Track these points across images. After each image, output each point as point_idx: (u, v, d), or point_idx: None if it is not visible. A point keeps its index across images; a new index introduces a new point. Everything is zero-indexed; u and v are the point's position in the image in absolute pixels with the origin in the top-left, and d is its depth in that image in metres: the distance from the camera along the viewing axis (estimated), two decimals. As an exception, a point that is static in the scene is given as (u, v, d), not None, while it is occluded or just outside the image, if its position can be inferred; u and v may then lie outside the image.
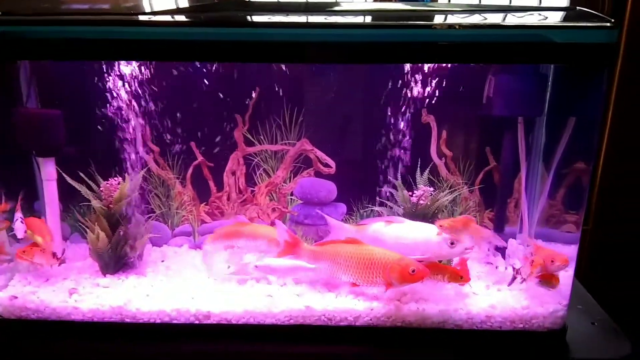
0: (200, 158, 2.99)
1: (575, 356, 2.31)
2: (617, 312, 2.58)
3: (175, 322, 2.17)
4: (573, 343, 2.26)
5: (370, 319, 2.22)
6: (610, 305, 2.61)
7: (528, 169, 2.81)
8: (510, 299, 2.34)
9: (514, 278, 2.32)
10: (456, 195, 2.74)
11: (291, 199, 3.08)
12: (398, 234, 2.30)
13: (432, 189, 2.45)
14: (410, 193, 2.51)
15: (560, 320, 2.27)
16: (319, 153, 2.96)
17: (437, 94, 2.78)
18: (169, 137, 2.93)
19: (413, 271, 2.10)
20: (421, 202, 2.46)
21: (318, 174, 2.93)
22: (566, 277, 2.44)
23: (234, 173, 2.96)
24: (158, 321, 2.17)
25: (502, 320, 2.27)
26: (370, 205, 2.66)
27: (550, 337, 2.24)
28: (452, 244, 2.22)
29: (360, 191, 2.96)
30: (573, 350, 2.23)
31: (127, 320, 2.15)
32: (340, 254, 2.24)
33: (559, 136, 2.58)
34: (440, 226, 2.19)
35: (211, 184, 3.05)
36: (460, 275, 2.27)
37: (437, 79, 2.72)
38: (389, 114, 2.79)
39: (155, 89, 2.77)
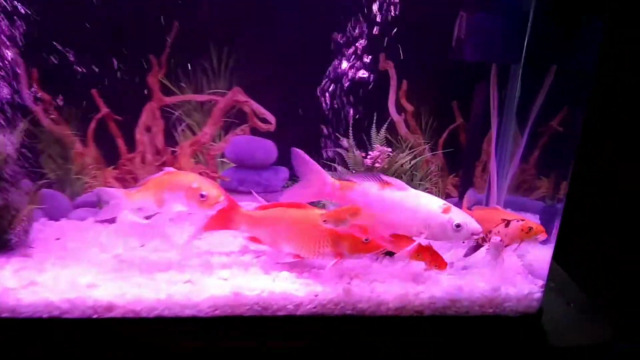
0: (104, 109, 2.50)
1: (554, 343, 2.10)
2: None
3: (67, 316, 1.87)
4: (549, 327, 2.12)
5: (315, 307, 2.00)
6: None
7: (499, 127, 2.55)
8: (479, 281, 2.16)
9: (475, 247, 2.19)
10: (417, 159, 2.38)
11: (222, 161, 2.78)
12: (394, 201, 1.97)
13: (389, 149, 2.05)
14: (363, 154, 2.10)
15: (535, 303, 2.12)
16: (255, 106, 2.61)
17: (398, 34, 2.41)
18: (64, 82, 2.40)
19: (367, 240, 1.91)
20: (377, 164, 2.07)
21: (255, 132, 2.65)
22: (543, 252, 2.17)
23: (149, 129, 2.58)
24: (45, 316, 1.86)
25: (469, 305, 2.08)
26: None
27: (525, 322, 2.10)
28: (458, 226, 1.93)
29: (306, 152, 2.56)
30: (550, 336, 2.10)
31: (3, 315, 1.83)
32: (283, 220, 2.04)
33: (537, 88, 2.35)
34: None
35: (120, 142, 2.54)
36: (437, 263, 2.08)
37: (397, 14, 2.32)
38: (340, 58, 2.37)
39: (37, 15, 2.23)
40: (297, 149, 2.01)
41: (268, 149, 2.67)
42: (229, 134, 2.61)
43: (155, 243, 2.33)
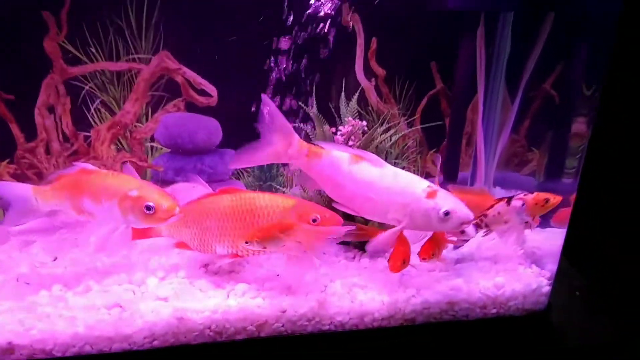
0: None
1: (565, 343, 1.88)
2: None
3: None
4: (560, 325, 1.92)
5: (283, 325, 1.72)
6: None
7: (487, 91, 2.28)
8: (479, 277, 1.93)
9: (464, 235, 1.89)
10: (398, 135, 2.01)
11: (152, 146, 2.29)
12: (367, 179, 1.69)
13: (364, 123, 1.66)
14: (333, 129, 1.69)
15: (544, 299, 1.93)
16: (190, 73, 2.17)
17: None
18: None
19: (315, 220, 1.63)
20: (350, 142, 1.66)
21: (192, 108, 2.20)
22: (552, 243, 1.90)
23: (51, 109, 2.08)
24: None
25: (469, 307, 1.86)
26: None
27: (533, 321, 1.90)
28: (446, 214, 1.63)
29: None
30: (561, 334, 1.90)
31: None
32: (211, 214, 1.74)
33: (532, 42, 2.04)
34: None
35: (14, 128, 2.06)
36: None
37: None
38: (293, 9, 1.94)
39: None
40: (267, 97, 1.71)
41: (210, 128, 2.28)
42: (158, 111, 2.19)
43: (73, 255, 1.98)
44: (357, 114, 1.95)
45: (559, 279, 2.00)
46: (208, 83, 2.16)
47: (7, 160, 2.14)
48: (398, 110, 2.27)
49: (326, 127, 1.93)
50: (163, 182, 2.23)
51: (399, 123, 2.23)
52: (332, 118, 1.98)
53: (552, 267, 1.96)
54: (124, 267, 1.91)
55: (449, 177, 2.34)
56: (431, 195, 1.64)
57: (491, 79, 2.25)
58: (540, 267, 2.01)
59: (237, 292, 1.77)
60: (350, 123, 1.90)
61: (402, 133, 2.13)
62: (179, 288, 1.79)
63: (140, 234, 1.80)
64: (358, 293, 1.81)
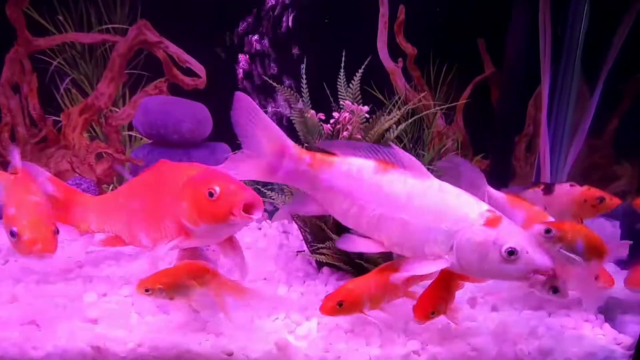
0: None
1: None
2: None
3: None
4: None
5: None
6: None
7: (554, 80, 1.78)
8: (518, 333, 1.45)
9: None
10: (428, 130, 1.58)
11: (130, 135, 2.03)
12: (401, 194, 1.29)
13: (366, 108, 1.22)
14: (321, 116, 1.32)
15: None
16: (175, 49, 1.89)
17: None
18: None
19: (211, 194, 1.27)
20: (344, 134, 1.24)
21: (176, 90, 1.91)
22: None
23: (16, 89, 1.87)
24: None
25: None
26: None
27: None
28: (510, 253, 1.18)
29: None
30: None
31: None
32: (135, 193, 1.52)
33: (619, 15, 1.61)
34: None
35: None
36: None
37: None
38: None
39: None
40: (242, 94, 1.33)
41: (198, 116, 1.99)
42: (137, 93, 1.92)
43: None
44: (359, 97, 1.51)
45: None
46: (195, 61, 1.85)
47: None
48: (432, 101, 1.80)
49: (312, 111, 1.50)
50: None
51: (432, 114, 1.75)
52: (327, 103, 1.56)
53: (635, 328, 1.45)
54: (63, 276, 1.64)
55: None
56: (492, 223, 1.22)
57: (561, 65, 1.79)
58: (615, 327, 1.49)
59: (179, 320, 1.40)
60: (348, 107, 1.46)
61: (432, 128, 1.67)
62: (115, 308, 1.49)
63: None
64: (338, 338, 1.35)
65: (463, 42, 1.83)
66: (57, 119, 1.96)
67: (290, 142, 1.34)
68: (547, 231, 1.34)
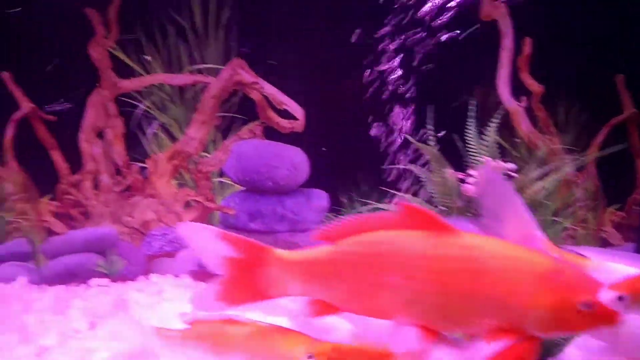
0: (25, 105, 1.76)
1: None
2: None
3: None
4: None
5: None
6: None
7: None
8: None
9: None
10: (552, 178, 1.43)
11: (220, 182, 1.95)
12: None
13: (513, 165, 1.09)
14: (460, 175, 1.31)
15: None
16: (271, 89, 1.78)
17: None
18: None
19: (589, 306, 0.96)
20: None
21: (271, 134, 1.82)
22: None
23: (100, 134, 1.80)
24: None
25: None
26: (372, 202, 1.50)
27: None
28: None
29: (354, 169, 1.88)
30: None
31: None
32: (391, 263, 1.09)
33: None
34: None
35: (56, 156, 1.84)
36: None
37: None
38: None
39: None
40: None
41: (295, 161, 1.88)
42: (229, 138, 1.84)
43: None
44: (497, 150, 1.37)
45: None
46: (293, 102, 1.74)
47: (48, 196, 1.88)
48: (560, 145, 1.65)
49: (448, 171, 1.35)
50: (234, 228, 1.82)
51: (559, 161, 1.60)
52: (454, 156, 1.41)
53: None
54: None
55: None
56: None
57: None
58: None
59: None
60: (488, 165, 1.31)
61: (562, 176, 1.51)
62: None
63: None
64: None
65: (598, 78, 1.67)
66: (142, 164, 1.87)
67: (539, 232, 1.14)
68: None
